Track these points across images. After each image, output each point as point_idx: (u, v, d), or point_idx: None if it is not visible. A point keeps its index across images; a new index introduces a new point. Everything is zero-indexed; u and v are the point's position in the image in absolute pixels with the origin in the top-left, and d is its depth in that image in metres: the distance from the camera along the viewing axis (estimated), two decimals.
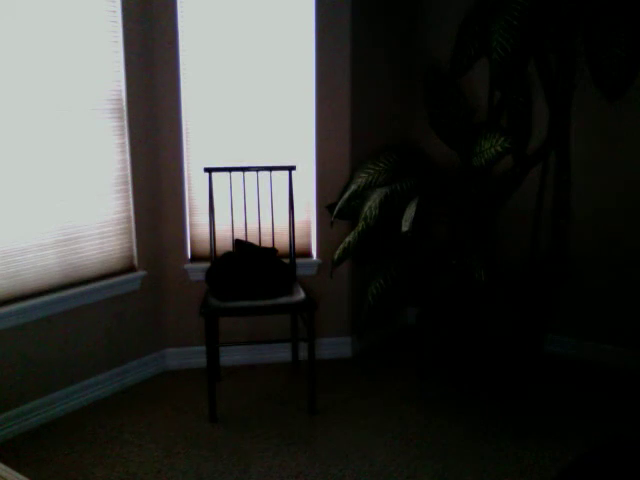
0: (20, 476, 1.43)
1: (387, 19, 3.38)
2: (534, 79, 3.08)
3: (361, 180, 2.99)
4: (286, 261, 3.07)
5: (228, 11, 3.03)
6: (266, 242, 3.17)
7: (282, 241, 3.23)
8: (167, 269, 3.19)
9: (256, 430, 2.70)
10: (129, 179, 2.98)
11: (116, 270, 3.00)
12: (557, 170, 3.04)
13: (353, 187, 2.99)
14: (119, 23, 2.82)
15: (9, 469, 1.46)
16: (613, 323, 3.25)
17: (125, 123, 2.93)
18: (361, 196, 2.95)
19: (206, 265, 3.07)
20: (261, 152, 3.19)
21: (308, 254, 3.35)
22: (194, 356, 3.28)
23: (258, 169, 3.07)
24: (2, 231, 2.52)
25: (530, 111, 3.05)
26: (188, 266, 3.20)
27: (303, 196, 3.28)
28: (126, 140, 2.95)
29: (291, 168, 3.07)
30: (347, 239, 2.90)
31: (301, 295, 2.79)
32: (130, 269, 3.06)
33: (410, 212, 2.61)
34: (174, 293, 3.22)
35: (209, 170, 3.01)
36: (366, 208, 2.81)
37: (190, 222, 3.20)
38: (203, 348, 2.99)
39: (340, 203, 3.00)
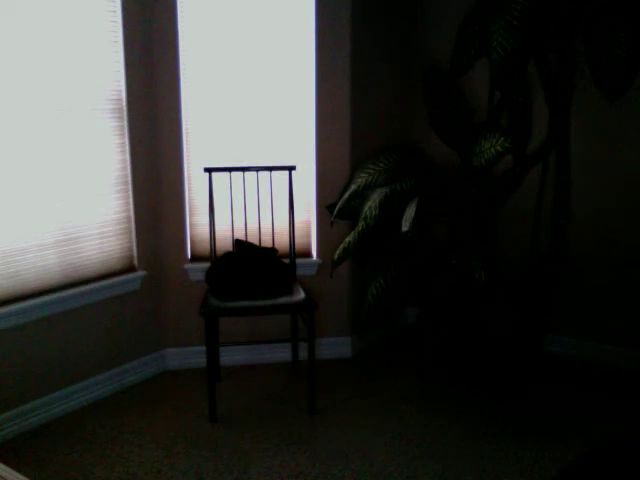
0: (20, 476, 1.43)
1: (387, 19, 3.38)
2: (534, 79, 3.08)
3: (361, 180, 2.99)
4: (286, 261, 3.07)
5: (228, 11, 3.03)
6: (266, 242, 3.17)
7: (282, 241, 3.23)
8: (167, 269, 3.19)
9: (256, 430, 2.70)
10: (129, 179, 2.98)
11: (116, 270, 3.00)
12: (557, 170, 3.04)
13: (353, 187, 2.99)
14: (119, 23, 2.82)
15: (9, 469, 1.46)
16: (613, 323, 3.25)
17: (125, 123, 2.93)
18: (361, 196, 2.95)
19: (206, 265, 3.07)
20: (261, 152, 3.19)
21: (308, 254, 3.35)
22: (194, 356, 3.28)
23: (258, 169, 3.07)
24: (2, 231, 2.52)
25: (530, 111, 3.05)
26: (188, 266, 3.20)
27: (303, 196, 3.28)
28: (126, 140, 2.95)
29: (291, 168, 3.07)
30: (347, 239, 2.90)
31: (301, 295, 2.79)
32: (130, 269, 3.06)
33: (410, 212, 2.61)
34: (174, 293, 3.22)
35: (209, 170, 3.01)
36: (366, 208, 2.81)
37: (190, 222, 3.20)
38: (203, 348, 2.99)
39: (340, 203, 3.00)
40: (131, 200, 3.01)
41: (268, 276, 2.90)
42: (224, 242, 3.19)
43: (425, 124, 3.16)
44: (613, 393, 2.99)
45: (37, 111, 2.58)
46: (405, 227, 2.59)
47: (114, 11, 2.80)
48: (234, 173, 3.10)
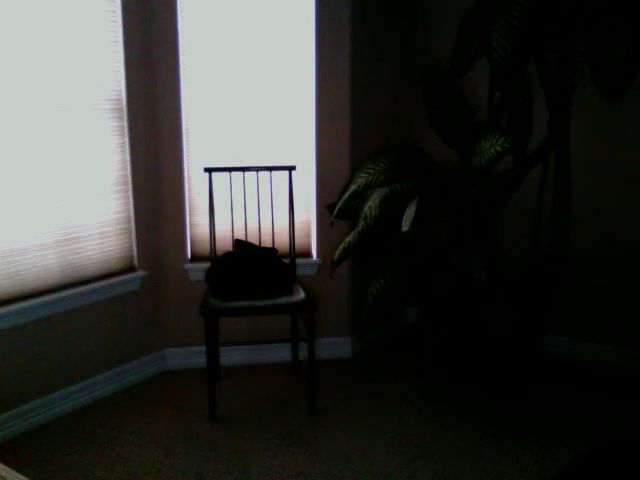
0: (20, 476, 1.43)
1: (387, 19, 3.38)
2: (534, 79, 3.08)
3: (361, 180, 2.99)
4: (286, 261, 3.07)
5: (228, 11, 3.02)
6: (266, 242, 3.17)
7: (282, 241, 3.23)
8: (167, 269, 3.19)
9: (256, 430, 2.70)
10: (129, 179, 2.98)
11: (116, 270, 3.00)
12: (557, 170, 3.04)
13: (353, 187, 2.99)
14: (119, 23, 2.82)
15: (9, 469, 1.46)
16: (613, 323, 3.25)
17: (125, 123, 2.93)
18: (361, 196, 2.95)
19: (206, 265, 3.07)
20: (261, 152, 3.19)
21: (308, 254, 3.35)
22: (194, 356, 3.28)
23: (258, 169, 3.07)
24: (2, 231, 2.52)
25: (530, 111, 3.05)
26: (188, 266, 3.20)
27: (303, 196, 3.28)
28: (126, 140, 2.95)
29: (291, 168, 3.07)
30: (347, 239, 2.90)
31: (301, 295, 2.79)
32: (130, 269, 3.06)
33: (410, 212, 2.61)
34: (174, 293, 3.22)
35: (209, 170, 3.01)
36: (366, 208, 2.81)
37: (190, 222, 3.20)
38: (203, 348, 2.99)
39: (340, 203, 3.00)
40: (131, 200, 3.01)
41: (268, 276, 2.90)
42: (224, 242, 3.19)
43: (425, 124, 3.16)
44: (613, 393, 2.99)
45: (37, 111, 2.58)
46: (405, 227, 2.59)
47: (114, 11, 2.80)
48: (234, 173, 3.10)
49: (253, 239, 3.13)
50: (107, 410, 2.87)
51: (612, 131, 3.12)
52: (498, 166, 3.11)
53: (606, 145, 3.15)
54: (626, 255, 3.17)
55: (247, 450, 2.54)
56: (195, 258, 3.24)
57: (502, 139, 2.64)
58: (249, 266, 2.90)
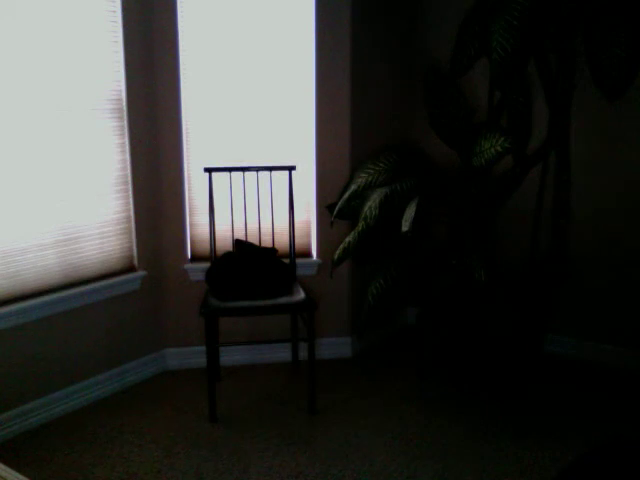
0: (20, 476, 1.43)
1: (387, 19, 3.38)
2: (534, 79, 3.08)
3: (361, 180, 2.99)
4: (286, 261, 3.07)
5: (228, 11, 3.02)
6: (266, 242, 3.17)
7: (282, 241, 3.23)
8: (167, 269, 3.19)
9: (256, 430, 2.70)
10: (129, 179, 2.98)
11: (116, 270, 3.00)
12: (557, 170, 3.04)
13: (353, 187, 2.99)
14: (119, 23, 2.82)
15: (9, 469, 1.46)
16: (613, 323, 3.25)
17: (125, 123, 2.93)
18: (361, 196, 2.95)
19: (206, 265, 3.07)
20: (261, 152, 3.19)
21: (308, 254, 3.35)
22: (194, 356, 3.28)
23: (258, 169, 3.07)
24: (2, 231, 2.52)
25: (530, 111, 3.05)
26: (188, 266, 3.20)
27: (303, 196, 3.28)
28: (126, 140, 2.95)
29: (291, 168, 3.07)
30: (347, 239, 2.90)
31: (301, 295, 2.79)
32: (130, 269, 3.06)
33: (410, 212, 2.61)
34: (174, 293, 3.22)
35: (209, 170, 3.01)
36: (366, 208, 2.81)
37: (190, 222, 3.20)
38: (203, 348, 2.99)
39: (340, 203, 3.00)
40: (131, 200, 3.01)
41: (268, 276, 2.90)
42: (224, 242, 3.19)
43: (425, 124, 3.16)
44: (613, 393, 2.99)
45: (37, 111, 2.58)
46: (405, 227, 2.59)
47: (114, 11, 2.80)
48: (234, 173, 3.10)
49: (253, 239, 3.13)
50: (107, 410, 2.87)
51: (612, 131, 3.12)
52: (498, 166, 3.11)
53: (606, 145, 3.15)
54: (626, 255, 3.17)
55: (247, 450, 2.54)
56: (195, 258, 3.24)
57: (502, 139, 2.64)
58: (249, 266, 2.90)
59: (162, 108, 3.03)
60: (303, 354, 3.23)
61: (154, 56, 2.97)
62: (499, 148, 2.63)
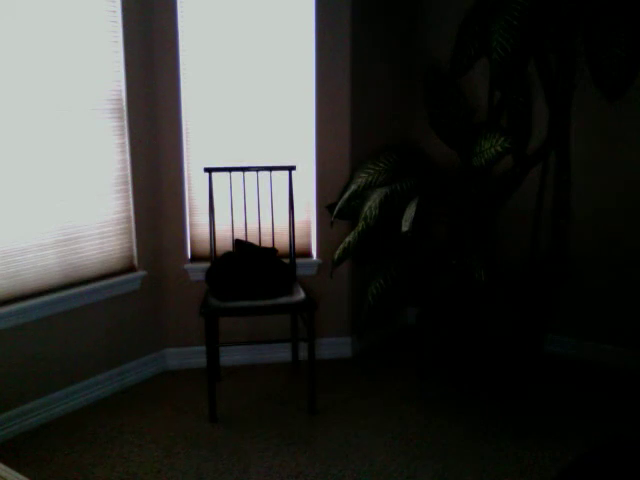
0: (20, 476, 1.43)
1: (387, 19, 3.38)
2: (534, 79, 3.08)
3: (361, 180, 2.99)
4: (286, 261, 3.07)
5: (228, 11, 3.03)
6: (266, 242, 3.17)
7: (282, 241, 3.23)
8: (167, 269, 3.19)
9: (256, 430, 2.70)
10: (129, 179, 2.98)
11: (116, 270, 3.00)
12: (557, 170, 3.04)
13: (353, 187, 2.99)
14: (119, 23, 2.82)
15: (9, 469, 1.46)
16: (613, 323, 3.25)
17: (125, 123, 2.93)
18: (361, 196, 2.95)
19: (206, 265, 3.07)
20: (261, 152, 3.19)
21: (308, 254, 3.35)
22: (194, 356, 3.28)
23: (258, 169, 3.07)
24: (2, 231, 2.52)
25: (530, 111, 3.05)
26: (188, 266, 3.20)
27: (303, 196, 3.28)
28: (126, 140, 2.95)
29: (291, 168, 3.07)
30: (347, 239, 2.90)
31: (301, 295, 2.79)
32: (130, 269, 3.06)
33: (410, 212, 2.61)
34: (174, 293, 3.22)
35: (209, 170, 3.01)
36: (366, 208, 2.81)
37: (190, 222, 3.20)
38: (203, 348, 2.99)
39: (340, 203, 3.00)
40: (131, 200, 3.01)
41: (268, 276, 2.90)
42: (224, 242, 3.19)
43: (425, 124, 3.16)
44: (613, 393, 2.99)
45: (37, 111, 2.58)
46: (405, 227, 2.59)
47: (114, 11, 2.80)
48: (234, 173, 3.10)
49: (253, 239, 3.13)
50: (107, 410, 2.87)
51: (612, 131, 3.12)
52: (498, 166, 3.11)
53: (606, 145, 3.15)
54: (626, 255, 3.17)
55: (247, 450, 2.54)
56: (195, 258, 3.24)
57: (502, 139, 2.64)
58: (249, 266, 2.90)
59: (162, 108, 3.03)
60: (303, 354, 3.23)
61: (154, 56, 2.97)
62: (499, 148, 2.63)
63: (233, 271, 2.88)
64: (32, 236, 2.63)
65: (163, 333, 3.25)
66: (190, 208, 3.19)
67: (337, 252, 2.93)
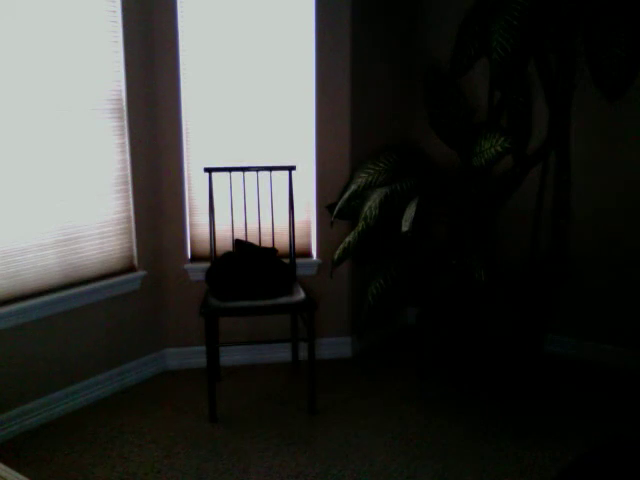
0: (20, 476, 1.43)
1: (387, 19, 3.38)
2: (534, 79, 3.08)
3: (361, 180, 2.99)
4: (286, 261, 3.07)
5: (228, 11, 3.03)
6: (266, 242, 3.17)
7: (282, 241, 3.23)
8: (167, 269, 3.19)
9: (256, 430, 2.70)
10: (129, 179, 2.98)
11: (116, 270, 3.00)
12: (557, 170, 3.04)
13: (353, 187, 2.99)
14: (119, 23, 2.82)
15: (9, 469, 1.46)
16: (613, 323, 3.25)
17: (125, 123, 2.93)
18: (361, 196, 2.95)
19: (206, 265, 3.07)
20: (261, 152, 3.19)
21: (308, 254, 3.35)
22: (194, 356, 3.28)
23: (258, 169, 3.07)
24: (2, 231, 2.52)
25: (530, 111, 3.05)
26: (188, 266, 3.20)
27: (303, 196, 3.28)
28: (126, 140, 2.95)
29: (291, 168, 3.07)
30: (347, 239, 2.90)
31: (301, 295, 2.79)
32: (130, 269, 3.06)
33: (410, 212, 2.61)
34: (174, 293, 3.22)
35: (209, 170, 3.01)
36: (366, 208, 2.81)
37: (190, 222, 3.20)
38: (203, 348, 2.99)
39: (340, 203, 3.00)
40: (131, 200, 3.01)
41: (268, 276, 2.90)
42: (224, 242, 3.19)
43: (425, 124, 3.16)
44: (613, 393, 2.99)
45: (37, 111, 2.58)
46: (405, 227, 2.59)
47: (114, 11, 2.80)
48: (234, 173, 3.10)
49: (253, 239, 3.13)
50: (107, 410, 2.87)
51: (612, 131, 3.12)
52: (498, 166, 3.11)
53: (606, 145, 3.15)
54: (626, 255, 3.17)
55: (247, 450, 2.54)
56: (195, 258, 3.24)
57: (502, 139, 2.64)
58: (249, 266, 2.90)
59: (162, 108, 3.03)
60: (303, 354, 3.23)
61: (154, 56, 2.97)
62: (499, 148, 2.63)
63: (233, 271, 2.88)
64: (32, 236, 2.63)
65: (163, 333, 3.25)
66: (190, 208, 3.19)
67: (337, 252, 2.93)
